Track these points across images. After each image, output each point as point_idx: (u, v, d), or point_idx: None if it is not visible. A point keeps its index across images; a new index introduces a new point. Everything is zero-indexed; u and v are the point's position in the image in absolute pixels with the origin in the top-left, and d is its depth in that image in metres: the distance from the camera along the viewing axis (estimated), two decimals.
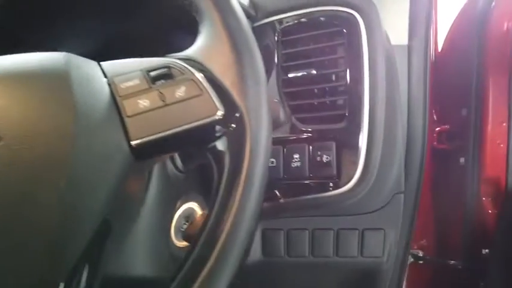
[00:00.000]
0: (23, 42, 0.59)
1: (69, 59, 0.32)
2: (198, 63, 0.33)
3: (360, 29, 0.50)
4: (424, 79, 0.63)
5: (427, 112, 0.62)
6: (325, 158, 0.48)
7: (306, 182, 0.50)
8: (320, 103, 0.52)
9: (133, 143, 0.30)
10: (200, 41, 0.34)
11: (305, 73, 0.52)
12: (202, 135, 0.32)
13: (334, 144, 0.49)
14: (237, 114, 0.31)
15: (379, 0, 0.72)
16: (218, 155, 0.32)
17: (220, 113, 0.31)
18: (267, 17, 0.54)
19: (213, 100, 0.31)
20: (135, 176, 0.34)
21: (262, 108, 0.31)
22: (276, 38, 0.54)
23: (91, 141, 0.29)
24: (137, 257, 0.44)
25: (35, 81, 0.30)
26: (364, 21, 0.50)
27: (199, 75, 0.32)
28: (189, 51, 0.34)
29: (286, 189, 0.50)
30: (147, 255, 0.44)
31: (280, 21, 0.54)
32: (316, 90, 0.52)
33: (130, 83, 0.32)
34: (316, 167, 0.48)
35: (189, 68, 0.33)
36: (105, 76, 0.33)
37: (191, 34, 0.54)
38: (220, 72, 0.32)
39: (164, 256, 0.46)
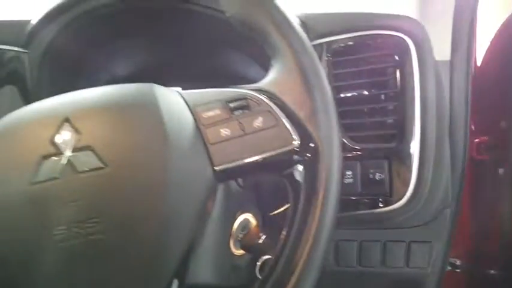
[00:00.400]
0: (85, 64, 0.64)
1: (156, 90, 0.36)
2: (273, 95, 0.36)
3: (410, 52, 0.53)
4: (466, 95, 0.64)
5: (468, 126, 0.64)
6: (378, 176, 0.50)
7: (357, 198, 0.52)
8: (371, 122, 0.54)
9: (216, 168, 0.33)
10: (273, 75, 0.37)
11: (356, 93, 0.54)
12: (279, 163, 0.35)
13: (386, 163, 0.51)
14: (312, 144, 0.34)
15: (423, 15, 0.74)
16: (294, 181, 0.35)
17: (295, 143, 0.34)
18: (318, 38, 0.57)
19: (288, 131, 0.34)
20: (213, 195, 0.38)
21: (334, 139, 0.34)
22: (326, 59, 0.57)
23: (182, 168, 0.32)
24: (201, 266, 0.47)
25: (129, 112, 0.34)
26: (414, 45, 0.53)
27: (275, 107, 0.35)
28: (263, 84, 0.37)
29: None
30: (210, 264, 0.48)
31: (330, 42, 0.56)
32: (366, 110, 0.54)
33: (211, 113, 0.35)
34: (368, 184, 0.51)
35: (265, 99, 0.36)
36: (187, 105, 0.36)
37: (257, 63, 0.57)
38: (294, 105, 0.35)
39: (225, 264, 0.49)
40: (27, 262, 0.31)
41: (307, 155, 0.34)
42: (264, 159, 0.34)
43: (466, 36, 0.68)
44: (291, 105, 0.35)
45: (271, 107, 0.35)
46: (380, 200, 0.51)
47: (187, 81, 0.74)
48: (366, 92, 0.54)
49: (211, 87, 0.72)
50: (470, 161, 0.80)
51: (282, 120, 0.34)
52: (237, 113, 0.35)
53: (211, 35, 0.60)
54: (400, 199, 0.50)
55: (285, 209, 0.52)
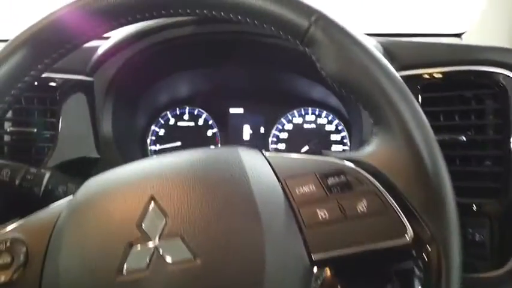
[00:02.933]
0: (147, 89, 0.61)
1: (244, 158, 0.32)
2: (378, 172, 0.31)
3: None
4: None
5: None
6: (477, 237, 0.45)
7: None
8: (466, 172, 0.48)
9: (314, 256, 0.29)
10: (378, 147, 0.32)
11: (448, 137, 0.48)
12: (389, 256, 0.30)
13: (487, 222, 0.45)
14: (427, 238, 0.29)
15: None
16: (405, 278, 0.30)
17: (409, 236, 0.29)
18: (403, 69, 0.51)
19: (400, 220, 0.29)
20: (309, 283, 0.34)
21: (453, 234, 0.29)
22: (414, 93, 0.51)
23: (278, 253, 0.28)
24: None
25: (218, 190, 0.30)
26: None
27: (382, 189, 0.30)
28: (365, 156, 0.32)
29: None
30: None
31: (420, 76, 0.50)
32: (461, 157, 0.48)
33: (305, 189, 0.31)
34: (465, 245, 0.45)
35: (369, 177, 0.31)
36: (276, 176, 0.32)
37: (322, 84, 0.51)
38: (407, 191, 0.30)
39: None
40: None
41: (422, 251, 0.29)
42: (371, 251, 0.29)
43: None
44: (403, 190, 0.30)
45: (377, 187, 0.30)
46: (480, 264, 0.45)
47: (250, 102, 0.71)
48: (464, 138, 0.47)
49: (275, 109, 0.67)
50: None
51: (391, 207, 0.30)
52: (334, 190, 0.31)
53: (277, 62, 0.56)
54: (502, 266, 0.44)
55: None
